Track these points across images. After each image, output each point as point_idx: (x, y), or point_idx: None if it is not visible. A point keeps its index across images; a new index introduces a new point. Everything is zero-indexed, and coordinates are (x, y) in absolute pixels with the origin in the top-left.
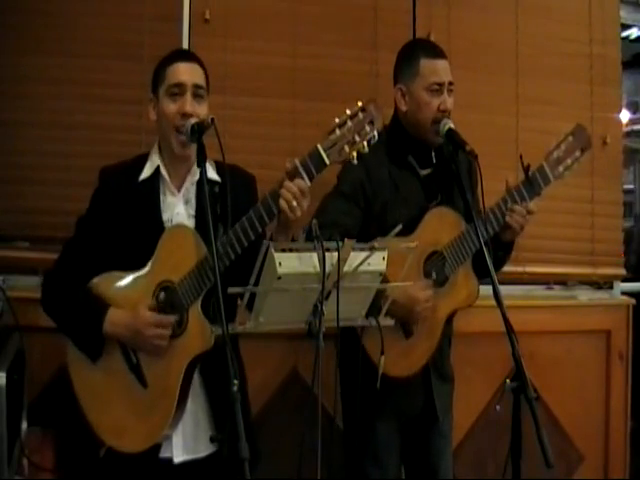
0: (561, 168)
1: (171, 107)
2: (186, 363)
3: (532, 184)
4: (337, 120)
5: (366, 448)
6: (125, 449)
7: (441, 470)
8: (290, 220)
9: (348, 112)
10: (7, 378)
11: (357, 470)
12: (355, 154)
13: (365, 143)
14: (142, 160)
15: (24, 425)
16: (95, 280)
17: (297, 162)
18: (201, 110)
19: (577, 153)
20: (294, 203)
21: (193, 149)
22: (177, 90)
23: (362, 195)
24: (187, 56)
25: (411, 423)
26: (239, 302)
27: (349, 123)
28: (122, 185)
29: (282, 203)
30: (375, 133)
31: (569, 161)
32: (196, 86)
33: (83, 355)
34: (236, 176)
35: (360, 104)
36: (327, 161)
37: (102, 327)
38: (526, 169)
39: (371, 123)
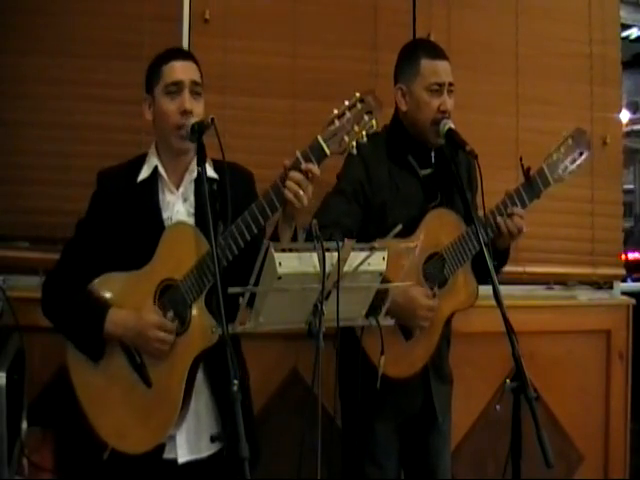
0: (561, 170)
1: (170, 105)
2: (190, 360)
3: (532, 186)
4: (336, 111)
5: (365, 448)
6: (129, 450)
7: (440, 470)
8: (296, 210)
9: (346, 103)
10: (7, 378)
11: (356, 470)
12: (354, 144)
13: (364, 133)
14: (139, 161)
15: (24, 425)
16: (96, 281)
17: (298, 153)
18: (199, 107)
19: (576, 156)
20: (301, 192)
21: (192, 144)
22: (175, 88)
23: (362, 194)
24: (182, 54)
25: (410, 423)
26: (240, 300)
27: (348, 114)
28: (120, 187)
29: (288, 194)
30: (374, 123)
31: (569, 163)
32: (193, 83)
33: (84, 357)
34: (234, 173)
35: (358, 95)
36: (327, 152)
37: (103, 328)
38: (526, 171)
39: (369, 113)
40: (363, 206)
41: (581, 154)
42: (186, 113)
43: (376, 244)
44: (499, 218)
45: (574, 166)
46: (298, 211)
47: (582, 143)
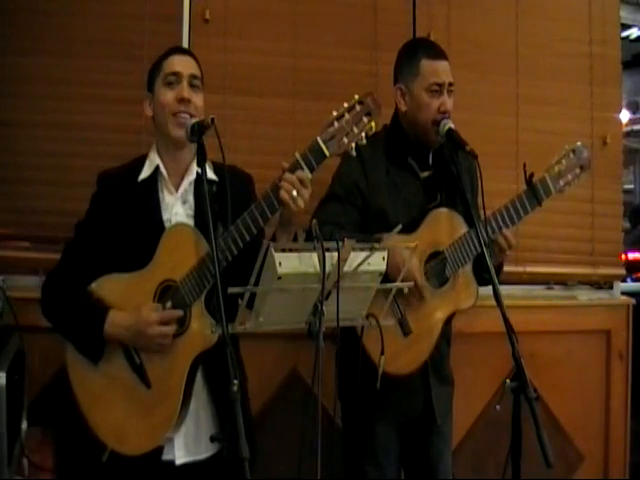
0: (562, 182)
1: (168, 95)
2: (189, 361)
3: (535, 193)
4: (335, 113)
5: (365, 449)
6: (128, 452)
7: (440, 471)
8: (292, 212)
9: (346, 105)
10: (7, 378)
11: (356, 470)
12: (354, 145)
13: (363, 135)
14: (140, 161)
15: (24, 425)
16: (95, 283)
17: (297, 155)
18: (197, 99)
19: (577, 170)
20: (294, 193)
21: (192, 144)
22: (173, 79)
23: (358, 193)
24: (182, 50)
25: (410, 424)
26: (240, 301)
27: (347, 116)
28: (121, 187)
29: (283, 194)
30: (373, 125)
31: (569, 177)
32: (192, 76)
33: (83, 358)
34: (233, 175)
35: (357, 97)
36: (327, 153)
37: (103, 330)
38: (529, 178)
39: (368, 115)
40: (359, 206)
41: (581, 168)
42: (184, 101)
43: (376, 245)
44: (503, 231)
45: (574, 180)
46: (295, 215)
47: (583, 159)
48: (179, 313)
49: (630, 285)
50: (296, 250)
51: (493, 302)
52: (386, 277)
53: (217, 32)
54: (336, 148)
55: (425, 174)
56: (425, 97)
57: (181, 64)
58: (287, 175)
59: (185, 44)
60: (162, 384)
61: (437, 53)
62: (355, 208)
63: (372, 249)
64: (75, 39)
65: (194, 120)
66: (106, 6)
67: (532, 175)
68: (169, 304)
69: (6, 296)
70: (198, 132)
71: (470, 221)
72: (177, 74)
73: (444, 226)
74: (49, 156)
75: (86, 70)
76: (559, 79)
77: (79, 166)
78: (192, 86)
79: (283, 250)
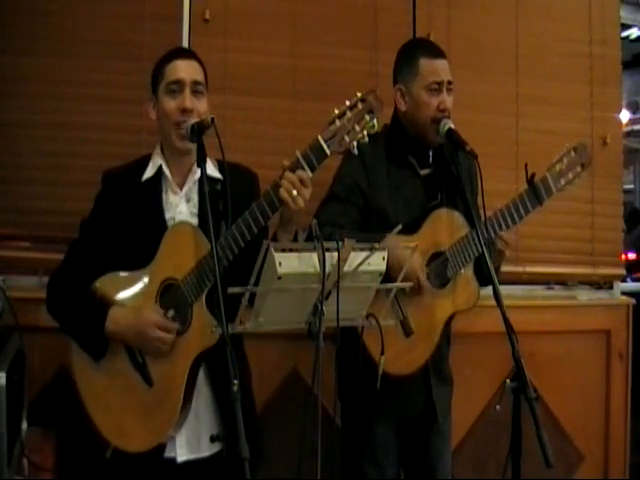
0: (563, 181)
1: (171, 104)
2: (191, 360)
3: (536, 193)
4: (337, 111)
5: (364, 448)
6: (130, 449)
7: (440, 471)
8: (292, 211)
9: (347, 103)
10: (7, 378)
11: (355, 470)
12: (355, 144)
13: (365, 133)
14: (144, 161)
15: (24, 425)
16: (99, 281)
17: (298, 154)
18: (201, 106)
19: (578, 169)
20: (294, 192)
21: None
22: (176, 87)
23: (359, 193)
24: (185, 53)
25: (409, 424)
26: (243, 299)
27: (348, 114)
28: (125, 186)
29: (282, 193)
30: (375, 122)
31: (570, 175)
32: (195, 82)
33: (87, 357)
34: (238, 174)
35: (359, 94)
36: (328, 152)
37: (104, 325)
38: (530, 178)
39: (370, 112)
40: (360, 206)
41: (582, 166)
42: (186, 111)
43: (376, 244)
44: (499, 233)
45: (575, 179)
46: (296, 214)
47: (584, 157)
48: (176, 326)
49: (630, 285)
50: (296, 250)
51: (493, 302)
52: (388, 277)
53: (217, 32)
54: (337, 147)
55: (425, 172)
56: (424, 96)
57: (184, 70)
58: (287, 174)
59: (185, 44)
60: (164, 383)
61: (435, 52)
62: (356, 208)
63: (372, 249)
64: (75, 39)
65: (194, 120)
66: (106, 6)
67: (533, 175)
68: (171, 313)
69: (6, 296)
70: (198, 132)
71: (470, 221)
72: (179, 82)
73: (445, 226)
74: (49, 156)
75: (86, 70)
76: (559, 79)
77: (79, 166)
78: (195, 92)
79: (283, 250)
